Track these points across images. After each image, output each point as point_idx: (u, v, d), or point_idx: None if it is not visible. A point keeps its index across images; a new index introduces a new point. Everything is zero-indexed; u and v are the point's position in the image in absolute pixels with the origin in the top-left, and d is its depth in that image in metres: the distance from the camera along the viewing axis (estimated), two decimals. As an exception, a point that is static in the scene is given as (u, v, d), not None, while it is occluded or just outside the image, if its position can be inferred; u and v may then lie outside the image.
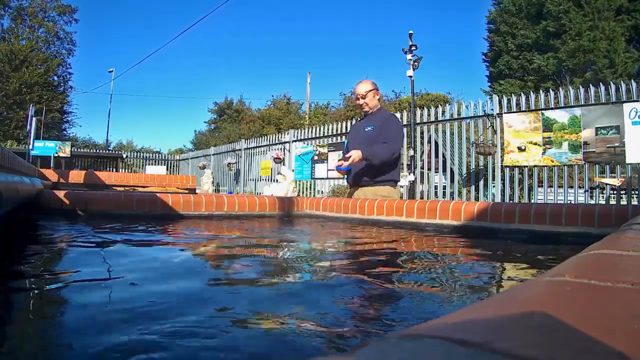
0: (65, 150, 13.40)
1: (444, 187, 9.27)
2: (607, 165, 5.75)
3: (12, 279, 1.02)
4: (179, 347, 0.60)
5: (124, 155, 17.22)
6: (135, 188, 6.01)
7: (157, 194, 2.77)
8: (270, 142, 11.74)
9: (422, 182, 8.38)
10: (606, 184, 5.92)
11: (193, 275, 1.18)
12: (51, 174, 5.55)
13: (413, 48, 7.61)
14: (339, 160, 3.25)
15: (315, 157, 9.55)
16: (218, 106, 31.98)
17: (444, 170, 9.27)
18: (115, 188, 5.73)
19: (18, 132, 21.23)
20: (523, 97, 6.58)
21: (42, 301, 0.87)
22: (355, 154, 3.06)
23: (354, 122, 7.82)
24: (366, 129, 3.18)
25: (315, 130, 10.21)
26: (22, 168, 2.32)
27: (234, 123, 29.81)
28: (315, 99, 45.58)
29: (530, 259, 1.60)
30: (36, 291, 0.93)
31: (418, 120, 7.84)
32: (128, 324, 0.68)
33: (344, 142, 8.31)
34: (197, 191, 7.05)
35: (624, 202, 5.81)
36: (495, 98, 6.86)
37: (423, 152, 8.03)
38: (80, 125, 59.51)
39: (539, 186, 6.39)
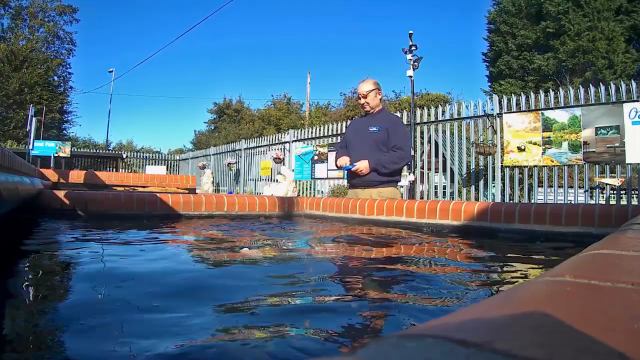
0: (65, 150, 13.39)
1: (444, 187, 9.27)
2: (607, 165, 5.76)
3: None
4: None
5: (124, 155, 17.22)
6: (135, 188, 6.01)
7: (157, 194, 2.77)
8: (270, 142, 11.74)
9: (422, 182, 8.39)
10: (606, 184, 5.92)
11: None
12: (51, 174, 5.55)
13: (413, 48, 7.62)
14: (341, 158, 3.24)
15: (315, 157, 9.55)
16: (217, 106, 31.92)
17: (444, 170, 9.27)
18: (115, 188, 5.72)
19: (18, 132, 21.22)
20: (523, 97, 6.58)
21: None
22: (363, 166, 3.07)
23: (354, 122, 7.82)
24: (370, 129, 3.17)
25: (315, 130, 10.21)
26: (22, 168, 2.31)
27: (234, 123, 29.78)
28: (315, 99, 45.65)
29: (530, 258, 1.60)
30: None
31: (418, 120, 7.84)
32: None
33: (344, 142, 8.31)
34: (197, 191, 7.05)
35: (624, 202, 5.81)
36: (495, 98, 6.86)
37: (423, 152, 8.03)
38: (79, 125, 59.38)
39: (539, 186, 6.39)
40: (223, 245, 1.77)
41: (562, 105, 6.00)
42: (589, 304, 0.36)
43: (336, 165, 3.35)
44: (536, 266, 1.42)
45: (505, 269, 1.41)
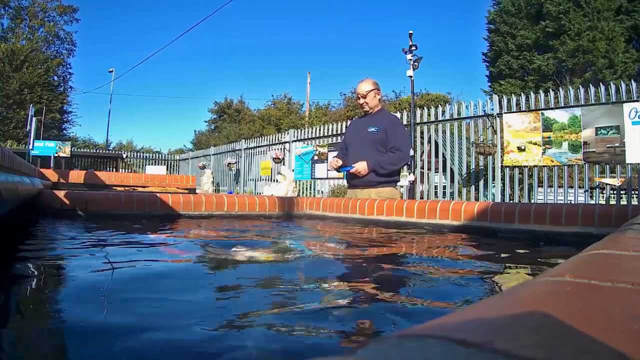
0: (65, 150, 13.39)
1: (444, 187, 9.27)
2: (607, 165, 5.76)
3: None
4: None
5: (124, 155, 17.22)
6: (135, 188, 6.01)
7: (157, 194, 2.77)
8: (270, 142, 11.74)
9: (422, 182, 8.39)
10: (606, 184, 5.92)
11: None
12: (51, 174, 5.54)
13: (413, 48, 7.62)
14: (336, 157, 3.27)
15: (315, 157, 9.55)
16: (218, 106, 31.94)
17: (444, 170, 9.27)
18: (115, 188, 5.72)
19: (18, 132, 21.21)
20: (523, 97, 6.59)
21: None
22: (362, 168, 3.07)
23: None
24: (369, 129, 3.17)
25: (315, 130, 10.21)
26: (22, 168, 2.31)
27: (234, 123, 29.79)
28: (315, 99, 45.67)
29: (530, 258, 1.60)
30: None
31: (418, 120, 7.85)
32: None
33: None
34: (197, 191, 7.05)
35: (624, 202, 5.81)
36: (495, 98, 6.86)
37: (423, 152, 8.03)
38: (79, 125, 59.24)
39: (539, 186, 6.40)
40: (223, 243, 1.77)
41: (562, 105, 6.00)
42: (589, 304, 0.36)
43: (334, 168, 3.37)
44: (536, 266, 1.42)
45: (505, 269, 1.41)
